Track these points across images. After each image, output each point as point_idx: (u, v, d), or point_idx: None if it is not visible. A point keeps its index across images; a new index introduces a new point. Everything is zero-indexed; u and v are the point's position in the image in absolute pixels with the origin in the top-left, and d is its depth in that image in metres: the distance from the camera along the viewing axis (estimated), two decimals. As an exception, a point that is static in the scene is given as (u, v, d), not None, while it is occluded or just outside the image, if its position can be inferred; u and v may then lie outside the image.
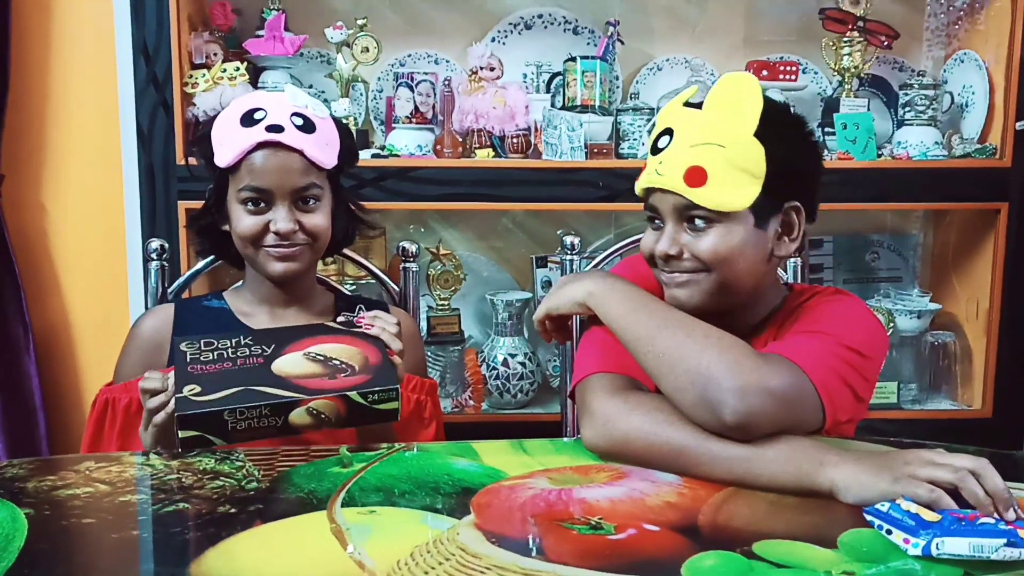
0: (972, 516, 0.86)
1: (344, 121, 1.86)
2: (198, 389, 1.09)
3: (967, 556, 0.82)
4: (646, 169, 1.17)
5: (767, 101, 1.13)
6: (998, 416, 2.14)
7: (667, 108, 1.19)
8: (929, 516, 0.85)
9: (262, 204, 1.32)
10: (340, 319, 1.29)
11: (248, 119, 1.31)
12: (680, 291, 1.16)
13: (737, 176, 1.11)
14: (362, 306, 1.39)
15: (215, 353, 1.16)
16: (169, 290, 1.62)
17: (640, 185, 1.18)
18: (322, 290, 1.50)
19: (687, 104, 1.16)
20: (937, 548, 0.82)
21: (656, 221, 1.18)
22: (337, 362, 1.16)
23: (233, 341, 1.18)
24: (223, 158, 1.32)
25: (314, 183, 1.33)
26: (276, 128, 1.30)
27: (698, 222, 1.13)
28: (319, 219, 1.35)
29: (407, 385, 1.36)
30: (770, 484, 0.99)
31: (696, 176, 1.11)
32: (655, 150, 1.16)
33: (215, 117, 1.38)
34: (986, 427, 2.15)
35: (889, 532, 0.86)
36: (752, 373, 1.01)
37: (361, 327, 1.24)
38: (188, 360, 1.14)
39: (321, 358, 1.16)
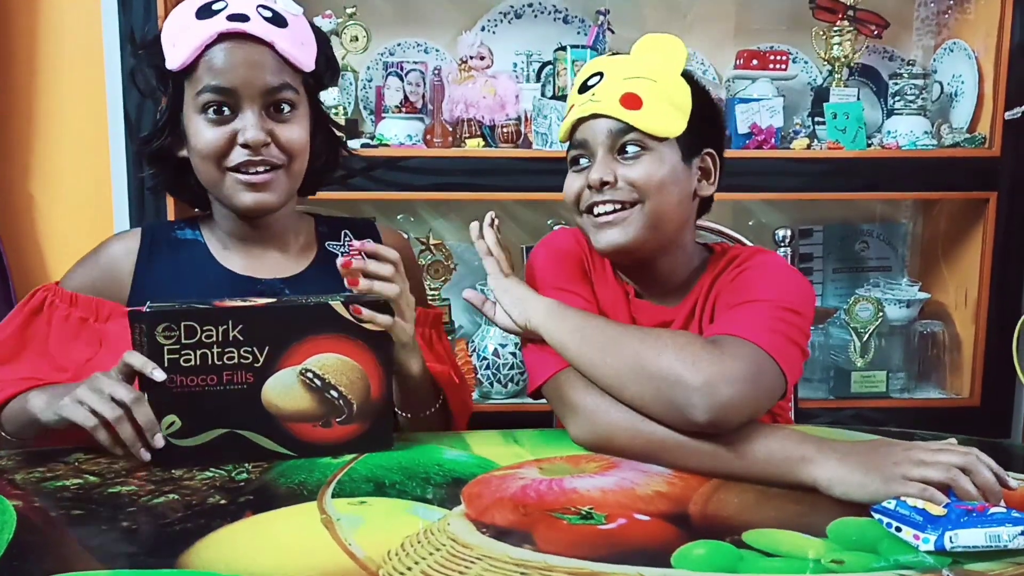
0: (980, 507, 0.86)
1: (333, 113, 1.82)
2: (177, 425, 1.00)
3: (983, 547, 0.81)
4: (574, 107, 1.19)
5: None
6: (986, 405, 2.16)
7: (594, 60, 1.25)
8: (935, 510, 0.85)
9: (226, 111, 1.13)
10: (329, 246, 1.21)
11: (205, 10, 1.12)
12: (614, 230, 1.16)
13: (668, 107, 1.16)
14: (347, 231, 1.29)
15: (199, 352, 1.00)
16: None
17: (570, 119, 1.19)
18: (301, 218, 1.32)
19: (614, 54, 1.25)
20: (951, 541, 0.81)
21: (581, 161, 1.19)
22: (335, 394, 1.04)
23: (221, 331, 1.00)
24: (176, 58, 1.12)
25: (288, 83, 1.15)
26: (239, 17, 1.11)
27: (630, 149, 1.15)
28: (295, 132, 1.16)
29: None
30: (754, 479, 1.00)
31: (632, 100, 1.14)
32: (584, 89, 1.19)
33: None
34: (974, 415, 2.16)
35: (899, 530, 0.86)
36: (713, 365, 1.01)
37: (356, 291, 1.07)
38: (166, 361, 0.99)
39: (317, 384, 1.03)
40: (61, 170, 2.13)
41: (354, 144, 2.00)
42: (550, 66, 2.17)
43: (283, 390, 1.03)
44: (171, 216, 1.93)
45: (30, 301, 1.20)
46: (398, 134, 2.05)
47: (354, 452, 1.05)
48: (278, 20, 1.14)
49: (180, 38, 1.13)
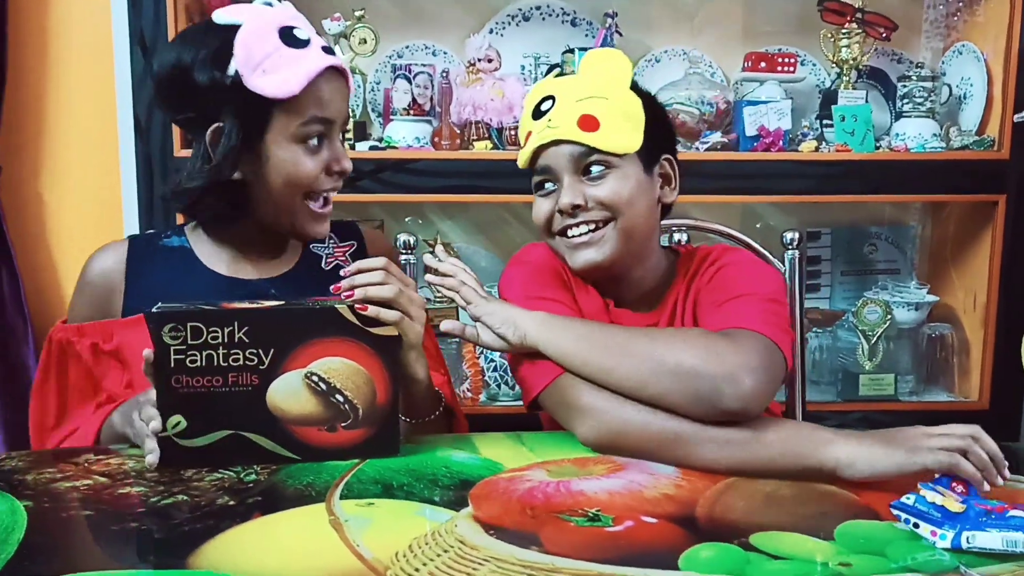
0: (1000, 508, 0.86)
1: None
2: (183, 425, 1.01)
3: (1000, 550, 0.82)
4: (531, 134, 1.21)
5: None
6: (995, 408, 2.15)
7: (541, 83, 1.26)
8: (954, 507, 0.86)
9: (320, 141, 1.16)
10: (313, 247, 1.23)
11: (291, 38, 1.12)
12: (590, 250, 1.19)
13: (623, 123, 1.18)
14: (332, 234, 1.29)
15: (204, 353, 1.00)
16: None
17: (530, 147, 1.21)
18: None
19: (560, 75, 1.26)
20: (968, 542, 0.83)
21: (547, 185, 1.22)
22: (340, 398, 1.03)
23: (227, 332, 1.00)
24: (280, 86, 1.11)
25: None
26: (329, 50, 1.16)
27: (594, 169, 1.18)
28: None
29: None
30: (770, 466, 1.01)
31: (589, 123, 1.17)
32: (538, 115, 1.21)
33: (217, 34, 1.12)
34: (983, 419, 2.10)
35: (917, 526, 0.86)
36: (733, 356, 1.03)
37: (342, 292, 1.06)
38: (173, 361, 0.99)
39: (323, 387, 1.03)
40: (70, 170, 2.14)
41: (362, 147, 2.01)
42: (558, 68, 2.16)
43: (288, 393, 1.02)
44: (180, 218, 1.94)
45: (48, 348, 1.23)
46: (406, 136, 2.05)
47: (359, 457, 1.05)
48: (329, 50, 1.17)
49: (277, 65, 1.11)
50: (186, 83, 1.13)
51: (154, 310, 1.01)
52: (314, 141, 1.16)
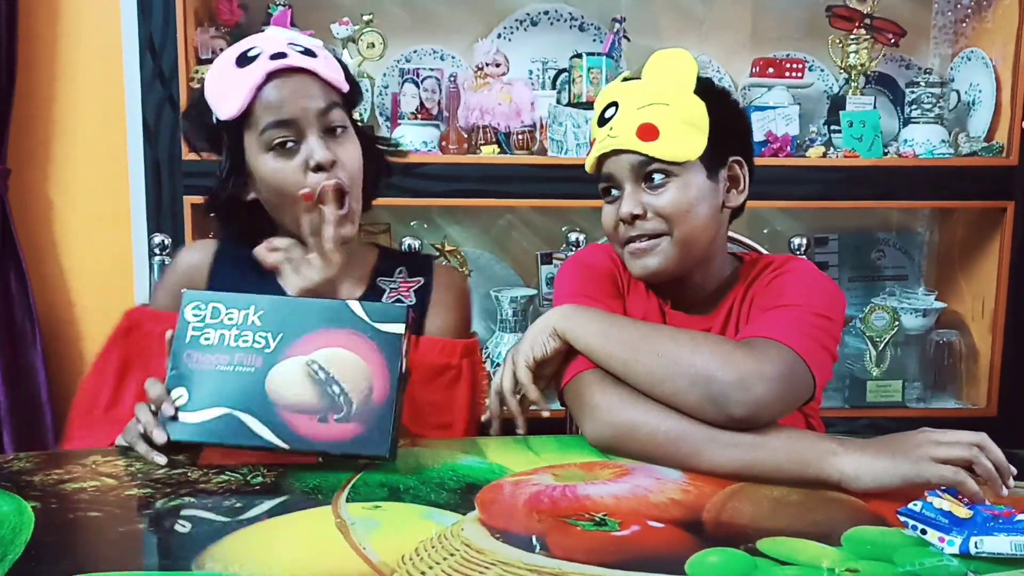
0: (1007, 513, 0.86)
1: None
2: (185, 398, 1.04)
3: (1008, 554, 0.82)
4: (596, 143, 1.21)
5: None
6: (1003, 415, 2.14)
7: (607, 88, 1.25)
8: (961, 513, 0.85)
9: (290, 144, 1.18)
10: (380, 281, 1.26)
11: (244, 59, 1.18)
12: (649, 259, 1.20)
13: (685, 129, 1.17)
14: (402, 268, 1.32)
15: (218, 333, 1.05)
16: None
17: (593, 155, 1.22)
18: (365, 249, 1.37)
19: (626, 79, 1.23)
20: (976, 547, 0.82)
21: (612, 192, 1.22)
22: (336, 389, 1.03)
23: (242, 315, 1.05)
24: (229, 108, 1.18)
25: (335, 102, 1.21)
26: (279, 55, 1.17)
27: (656, 177, 1.17)
28: (351, 150, 1.22)
29: (432, 348, 1.26)
30: (775, 474, 1.00)
31: (648, 132, 1.16)
32: (602, 121, 1.21)
33: (201, 87, 1.24)
34: (991, 426, 2.13)
35: (924, 532, 0.86)
36: (748, 363, 1.03)
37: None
38: (189, 336, 1.05)
39: (322, 376, 1.03)
40: (80, 176, 2.15)
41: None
42: (565, 73, 2.17)
43: (287, 377, 1.04)
44: (187, 222, 1.95)
45: (117, 330, 1.26)
46: (414, 140, 2.06)
47: (346, 453, 1.01)
48: (309, 52, 1.21)
49: (228, 89, 1.18)
50: (201, 124, 1.25)
51: (183, 290, 1.09)
52: (280, 145, 1.18)
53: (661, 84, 1.19)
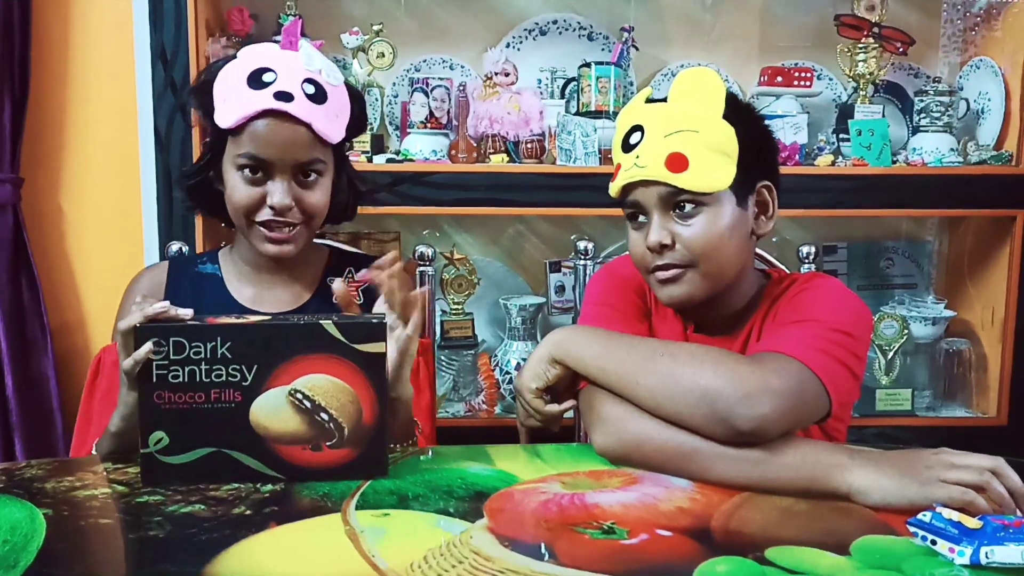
0: (1018, 522, 0.85)
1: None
2: (166, 442, 0.99)
3: (1019, 564, 0.81)
4: (621, 168, 1.18)
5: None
6: (1013, 424, 2.13)
7: (629, 107, 1.21)
8: (971, 523, 0.85)
9: (260, 174, 1.22)
10: (330, 280, 1.24)
11: (256, 80, 1.21)
12: (675, 288, 1.17)
13: (715, 158, 1.13)
14: (351, 268, 1.34)
15: (186, 369, 0.99)
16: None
17: (619, 183, 1.18)
18: (316, 251, 1.40)
19: (650, 100, 1.19)
20: (987, 557, 0.82)
21: (640, 218, 1.18)
22: (325, 416, 1.01)
23: (209, 348, 0.99)
24: (225, 118, 1.21)
25: (318, 158, 1.24)
26: (285, 96, 1.19)
27: (686, 207, 1.14)
28: (318, 196, 1.25)
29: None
30: (785, 487, 1.00)
31: (677, 162, 1.12)
32: (627, 147, 1.17)
33: (217, 65, 1.26)
34: (1001, 435, 2.14)
35: (934, 543, 0.86)
36: (753, 378, 1.02)
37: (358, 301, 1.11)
38: (155, 375, 0.99)
39: (308, 405, 1.00)
40: (91, 184, 2.17)
41: (379, 159, 2.02)
42: (574, 82, 2.18)
43: (272, 411, 1.01)
44: (199, 230, 1.96)
45: (91, 368, 1.31)
46: (423, 149, 2.06)
47: (346, 478, 1.01)
48: (319, 96, 1.23)
49: (230, 100, 1.21)
50: (200, 105, 1.27)
51: (138, 324, 1.00)
52: (250, 171, 1.22)
53: (689, 108, 1.14)
